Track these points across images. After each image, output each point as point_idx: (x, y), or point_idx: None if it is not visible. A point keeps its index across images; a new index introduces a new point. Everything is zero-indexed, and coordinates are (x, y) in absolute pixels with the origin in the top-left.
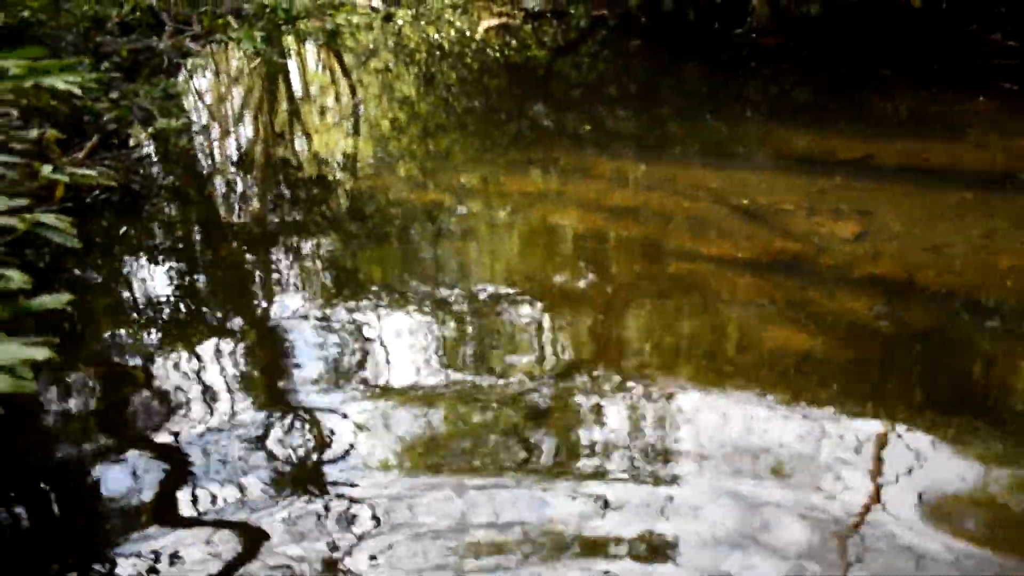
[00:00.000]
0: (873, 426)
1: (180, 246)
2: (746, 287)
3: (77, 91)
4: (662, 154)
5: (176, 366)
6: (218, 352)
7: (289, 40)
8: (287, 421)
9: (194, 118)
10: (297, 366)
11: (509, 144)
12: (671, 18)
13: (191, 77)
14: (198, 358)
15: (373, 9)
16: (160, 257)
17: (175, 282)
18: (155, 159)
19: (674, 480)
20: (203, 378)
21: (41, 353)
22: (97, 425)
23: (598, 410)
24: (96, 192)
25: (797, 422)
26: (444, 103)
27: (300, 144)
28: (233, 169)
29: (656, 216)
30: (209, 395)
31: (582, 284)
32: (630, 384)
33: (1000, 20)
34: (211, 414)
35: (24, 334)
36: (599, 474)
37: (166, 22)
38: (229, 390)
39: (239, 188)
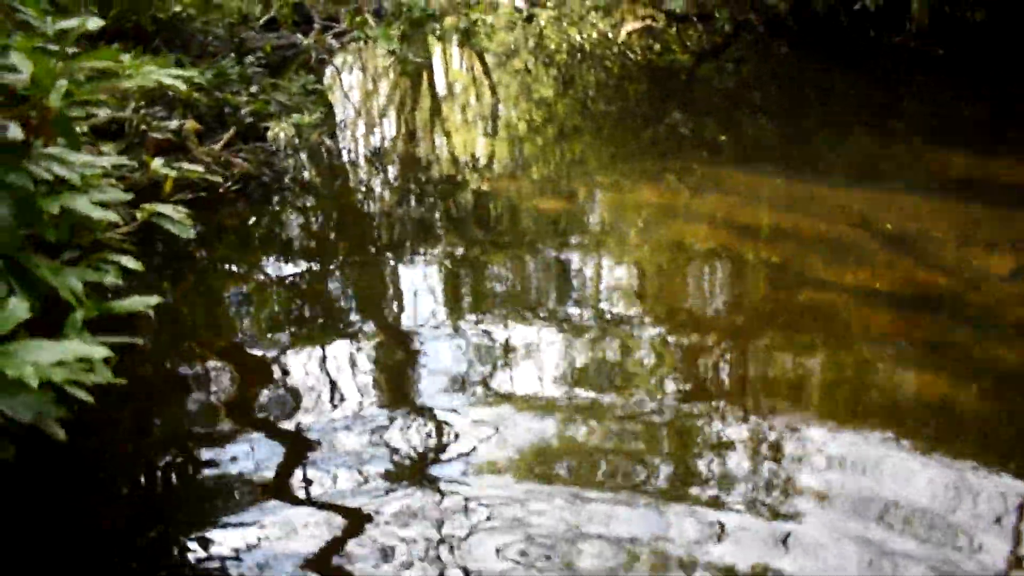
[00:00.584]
0: (1018, 486)
1: (304, 241)
2: (883, 323)
3: (182, 86)
4: (804, 169)
5: (303, 361)
6: (344, 351)
7: (427, 39)
8: (409, 419)
9: (331, 114)
10: (420, 368)
11: (644, 151)
12: (822, 23)
13: (331, 74)
14: (324, 356)
15: (516, 9)
16: (282, 250)
17: (297, 277)
18: (289, 152)
19: (795, 516)
20: (329, 374)
21: (99, 352)
22: (226, 411)
23: (719, 438)
24: (228, 183)
25: (933, 471)
26: (582, 106)
27: (435, 143)
28: (364, 166)
29: (791, 237)
30: (335, 391)
31: (708, 307)
32: (753, 415)
33: None
34: (336, 408)
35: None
36: (717, 502)
37: (313, 19)
38: (354, 388)
39: (369, 185)
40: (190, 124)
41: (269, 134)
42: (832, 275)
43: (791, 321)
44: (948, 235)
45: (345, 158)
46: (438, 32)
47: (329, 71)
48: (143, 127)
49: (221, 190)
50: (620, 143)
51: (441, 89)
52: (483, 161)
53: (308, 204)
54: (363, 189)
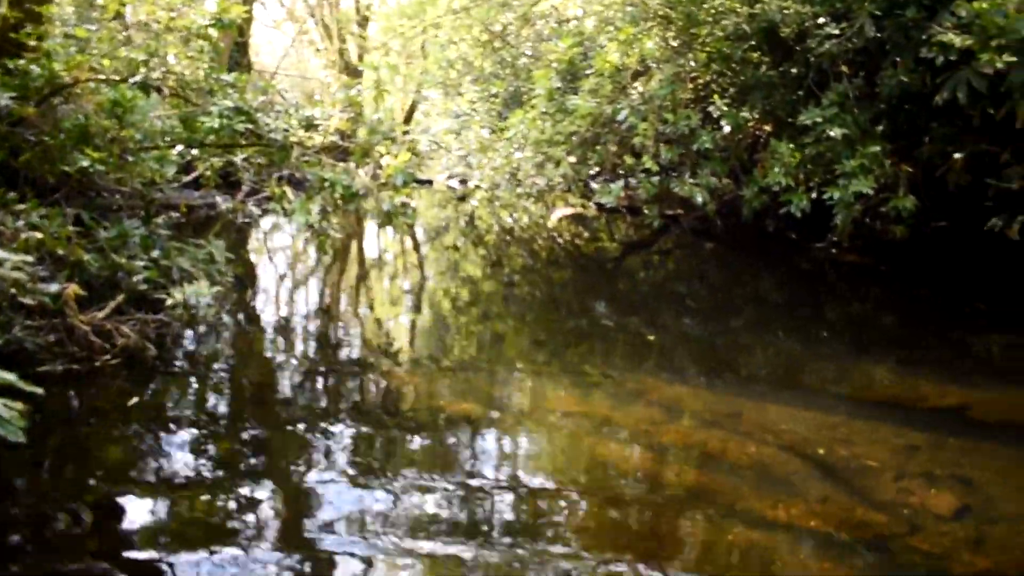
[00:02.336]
0: None
1: (180, 422)
2: (822, 572)
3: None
4: (729, 380)
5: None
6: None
7: (351, 216)
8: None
9: (241, 284)
10: None
11: (568, 345)
12: (748, 226)
13: (250, 241)
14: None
15: (449, 188)
16: (157, 429)
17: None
18: (181, 326)
19: None
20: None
21: None
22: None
23: None
24: (108, 356)
25: None
26: (508, 288)
27: (348, 322)
28: (268, 344)
29: (717, 462)
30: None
31: (629, 548)
32: None
33: None
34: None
35: None
36: None
37: (242, 182)
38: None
39: (265, 363)
40: (71, 289)
41: (169, 302)
42: (764, 509)
43: (720, 566)
44: (884, 464)
45: (248, 335)
46: (361, 211)
47: (249, 238)
48: (12, 290)
49: (98, 363)
50: (544, 333)
51: (364, 266)
52: (397, 344)
53: (196, 383)
54: (262, 368)
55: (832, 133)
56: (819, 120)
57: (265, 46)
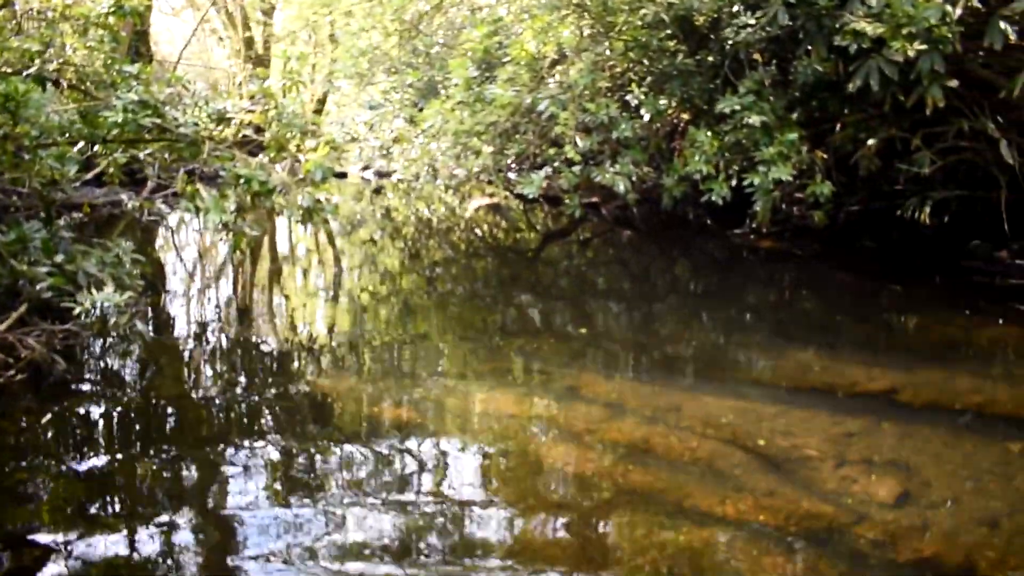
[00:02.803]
0: None
1: (92, 444)
2: (774, 567)
3: None
4: (663, 372)
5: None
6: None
7: (268, 213)
8: None
9: (152, 287)
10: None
11: (495, 341)
12: (666, 213)
13: (159, 240)
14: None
15: (364, 180)
16: (67, 452)
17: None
18: (91, 336)
19: None
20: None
21: None
22: None
23: None
24: (12, 372)
25: None
26: (428, 283)
27: (268, 323)
28: (184, 351)
29: (661, 459)
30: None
31: (567, 565)
32: None
33: (1006, 238)
34: None
35: None
36: None
37: (148, 177)
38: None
39: (185, 375)
40: None
41: (77, 311)
42: (712, 505)
43: (672, 569)
44: (823, 453)
45: (162, 343)
46: (278, 208)
47: (157, 236)
48: None
49: (2, 380)
50: (469, 329)
51: (279, 263)
52: (317, 348)
53: (109, 398)
54: (178, 380)
55: (750, 121)
56: (737, 108)
57: (164, 34)
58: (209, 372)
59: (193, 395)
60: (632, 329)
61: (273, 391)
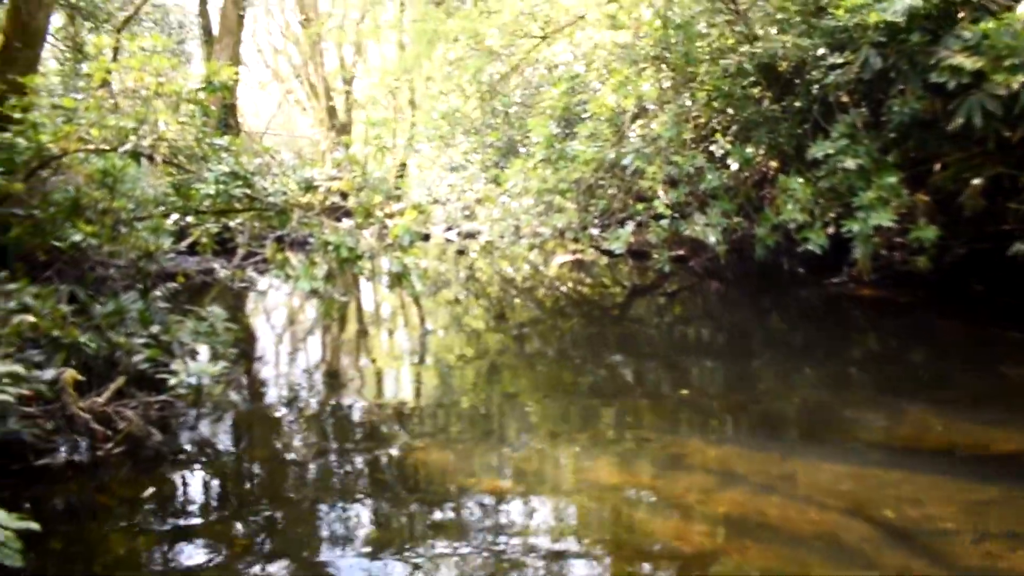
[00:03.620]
0: None
1: (190, 511)
2: None
3: None
4: (771, 435)
5: None
6: None
7: (356, 278)
8: None
9: (245, 355)
10: None
11: (584, 404)
12: (753, 263)
13: (251, 306)
14: None
15: (447, 241)
16: (166, 520)
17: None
18: (189, 407)
19: None
20: None
21: None
22: None
23: None
24: (111, 445)
25: None
26: (514, 341)
27: (359, 388)
28: (278, 421)
29: (779, 533)
30: None
31: None
32: None
33: None
34: None
35: None
36: None
37: (239, 246)
38: None
39: (274, 442)
40: (68, 375)
41: (173, 382)
42: None
43: None
44: (960, 525)
45: (255, 410)
46: (367, 273)
47: (248, 302)
48: (6, 382)
49: (101, 452)
50: (560, 390)
51: (366, 326)
52: (407, 411)
53: (204, 467)
54: (270, 447)
55: (846, 165)
56: (830, 152)
57: (250, 107)
58: (300, 438)
59: (286, 460)
60: (731, 388)
61: (364, 456)
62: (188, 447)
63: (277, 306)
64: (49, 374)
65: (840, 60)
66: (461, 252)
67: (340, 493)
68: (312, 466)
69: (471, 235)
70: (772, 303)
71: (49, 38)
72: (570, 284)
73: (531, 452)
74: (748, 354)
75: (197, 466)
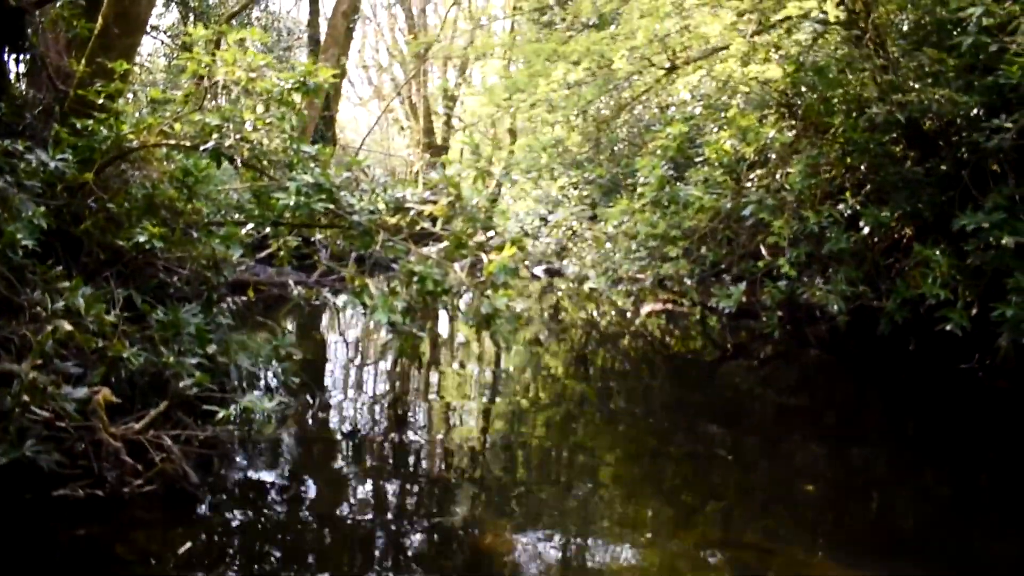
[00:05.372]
0: None
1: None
2: None
3: None
4: (919, 558)
5: None
6: None
7: (437, 314)
8: None
9: (306, 388)
10: None
11: (678, 487)
12: (880, 339)
13: (318, 326)
14: None
15: (533, 276)
16: None
17: None
18: (233, 446)
19: None
20: None
21: None
22: None
23: None
24: (139, 482)
25: None
26: (598, 395)
27: (428, 445)
28: (331, 470)
29: None
30: None
31: None
32: None
33: None
34: None
35: None
36: None
37: (319, 260)
38: None
39: (330, 499)
40: (102, 395)
41: (219, 416)
42: None
43: None
44: None
45: (311, 457)
46: (451, 311)
47: (319, 323)
48: (24, 397)
49: (128, 490)
50: (647, 461)
51: (440, 363)
52: (477, 467)
53: (245, 523)
54: (325, 507)
55: (1003, 242)
56: (984, 226)
57: (350, 123)
58: (360, 491)
59: (336, 521)
60: (858, 486)
61: (421, 523)
62: (230, 492)
63: (352, 326)
64: (80, 392)
65: (1006, 124)
66: (547, 290)
67: (392, 566)
68: (362, 529)
69: (558, 273)
70: (885, 384)
71: (161, 35)
72: (657, 335)
73: (622, 551)
74: (867, 442)
75: (236, 519)
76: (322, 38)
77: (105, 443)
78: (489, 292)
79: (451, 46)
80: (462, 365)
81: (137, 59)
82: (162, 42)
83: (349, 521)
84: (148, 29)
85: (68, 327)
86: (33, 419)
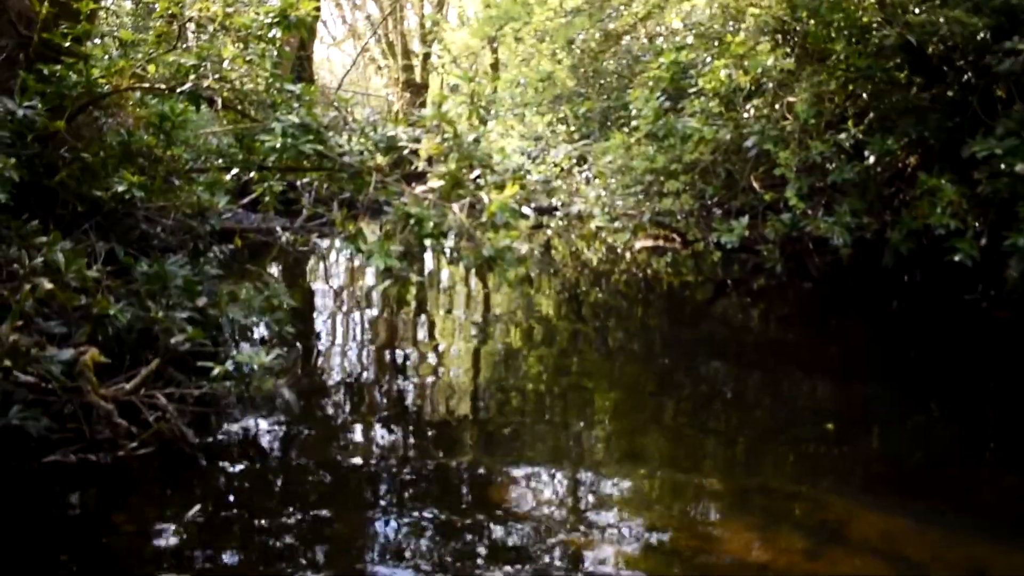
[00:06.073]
0: None
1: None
2: None
3: None
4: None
5: None
6: None
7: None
8: None
9: (303, 337)
10: None
11: (690, 430)
12: (884, 271)
13: (304, 274)
14: None
15: (522, 215)
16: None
17: None
18: (230, 401)
19: None
20: None
21: None
22: None
23: None
24: (134, 444)
25: None
26: (596, 333)
27: (417, 379)
28: (329, 418)
29: None
30: None
31: None
32: None
33: None
34: None
35: None
36: None
37: (304, 205)
38: None
39: (332, 449)
40: (89, 355)
41: (214, 373)
42: None
43: None
44: None
45: (310, 412)
46: (450, 254)
47: (307, 269)
48: (6, 362)
49: (122, 453)
50: (653, 405)
51: (435, 315)
52: (476, 411)
53: (246, 481)
54: (327, 457)
55: (1017, 168)
56: (996, 152)
57: (324, 64)
58: (354, 440)
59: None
60: (875, 423)
61: (423, 463)
62: (229, 450)
63: (337, 273)
64: (66, 354)
65: (1020, 46)
66: (537, 228)
67: (398, 506)
68: (367, 474)
69: (547, 211)
70: (891, 316)
71: None
72: (650, 271)
73: (631, 491)
74: (873, 377)
75: (238, 476)
76: None
77: (95, 406)
78: (491, 233)
79: None
80: (452, 307)
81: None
82: None
83: (350, 468)
84: None
85: (48, 285)
86: (17, 383)
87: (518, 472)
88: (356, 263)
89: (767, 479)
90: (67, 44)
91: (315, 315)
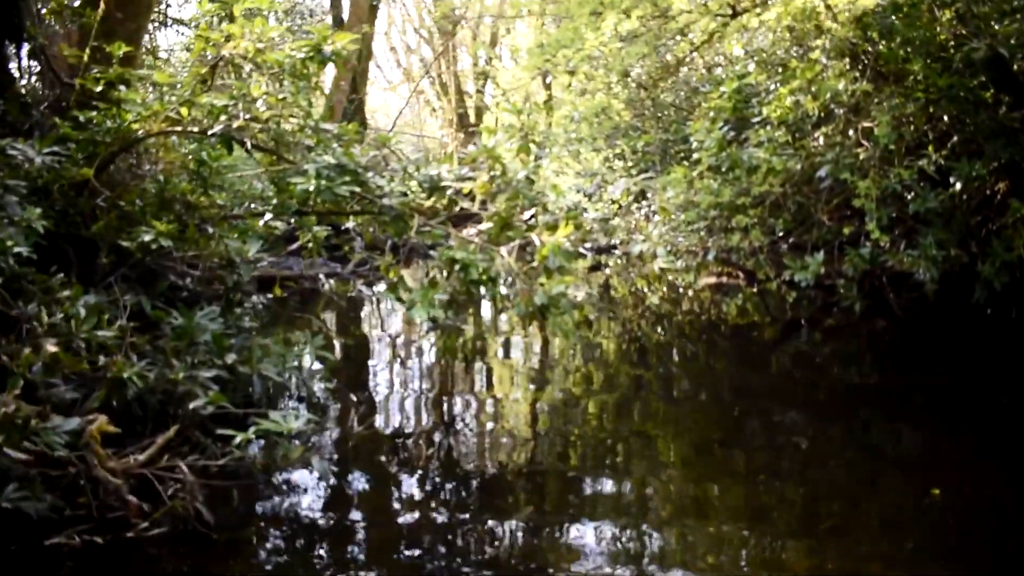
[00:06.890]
0: None
1: None
2: None
3: None
4: None
5: None
6: None
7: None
8: None
9: (338, 398)
10: None
11: (764, 490)
12: (974, 308)
13: (361, 327)
14: None
15: (579, 255)
16: None
17: None
18: (260, 475)
19: None
20: None
21: None
22: None
23: None
24: (145, 525)
25: None
26: (658, 380)
27: (471, 439)
28: (371, 493)
29: None
30: None
31: None
32: None
33: None
34: None
35: None
36: None
37: (354, 249)
38: None
39: (369, 513)
40: (96, 425)
41: (236, 442)
42: None
43: None
44: None
45: (341, 489)
46: (500, 303)
47: (363, 315)
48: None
49: (132, 533)
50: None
51: (490, 362)
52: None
53: (270, 567)
54: (364, 531)
55: None
56: None
57: (381, 108)
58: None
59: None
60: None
61: (478, 519)
62: (250, 531)
63: (392, 317)
64: (72, 423)
65: None
66: (595, 268)
67: (447, 570)
68: (418, 534)
69: (605, 250)
70: (986, 357)
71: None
72: (714, 311)
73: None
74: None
75: (257, 562)
76: (345, 17)
77: (103, 481)
78: (543, 279)
79: (482, 4)
80: (509, 352)
81: (162, 55)
82: (183, 34)
83: (396, 529)
84: (169, 22)
85: (52, 348)
86: (12, 460)
87: (579, 529)
88: (407, 326)
89: (851, 545)
90: (99, 89)
91: (368, 363)
